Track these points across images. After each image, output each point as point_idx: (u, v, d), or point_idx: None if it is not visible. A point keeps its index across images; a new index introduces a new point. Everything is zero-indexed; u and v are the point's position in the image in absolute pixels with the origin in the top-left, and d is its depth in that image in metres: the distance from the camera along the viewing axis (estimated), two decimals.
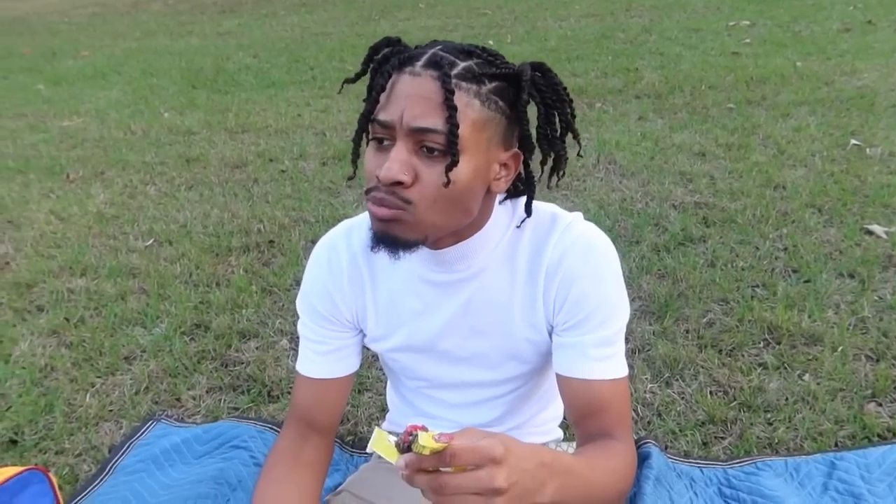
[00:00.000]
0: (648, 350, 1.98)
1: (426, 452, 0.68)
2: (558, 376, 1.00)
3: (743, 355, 1.93)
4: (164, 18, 10.55)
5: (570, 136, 0.96)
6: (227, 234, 2.93)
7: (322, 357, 1.10)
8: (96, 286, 2.56)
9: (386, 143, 0.85)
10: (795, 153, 3.33)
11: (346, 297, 1.07)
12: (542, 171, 0.96)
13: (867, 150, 3.30)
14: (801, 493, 1.43)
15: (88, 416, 1.85)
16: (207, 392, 1.95)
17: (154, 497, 1.49)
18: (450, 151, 0.82)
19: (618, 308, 0.98)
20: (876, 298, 2.14)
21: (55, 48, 8.32)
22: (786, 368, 1.87)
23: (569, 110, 0.93)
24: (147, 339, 2.20)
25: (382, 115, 0.84)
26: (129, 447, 1.68)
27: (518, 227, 1.00)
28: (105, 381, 2.01)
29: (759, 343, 1.98)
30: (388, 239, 0.88)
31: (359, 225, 1.09)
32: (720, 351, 1.95)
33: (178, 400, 1.92)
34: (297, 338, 2.14)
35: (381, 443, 0.72)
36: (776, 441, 1.63)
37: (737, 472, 1.50)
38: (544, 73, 0.92)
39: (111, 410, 1.89)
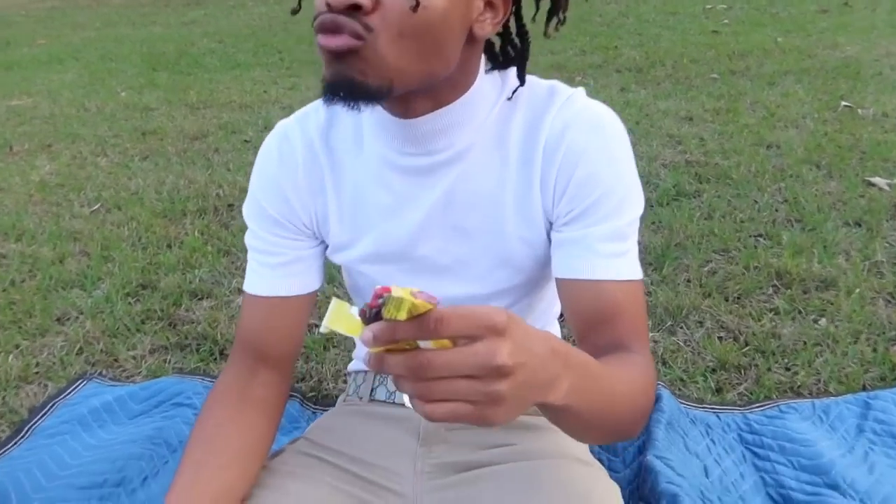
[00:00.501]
0: (648, 299, 1.79)
1: (402, 316, 0.47)
2: (560, 282, 0.80)
3: (751, 301, 1.75)
4: (126, 10, 10.23)
5: None
6: (182, 199, 2.68)
7: (273, 271, 0.88)
8: (32, 251, 2.30)
9: None
10: (786, 115, 3.19)
11: (301, 194, 0.85)
12: (536, 12, 0.77)
13: (859, 111, 3.17)
14: (834, 436, 1.24)
15: (9, 377, 1.60)
16: (150, 352, 1.71)
17: (76, 459, 1.25)
18: None
19: (631, 193, 0.79)
20: (887, 245, 1.98)
21: (9, 38, 7.96)
22: (799, 313, 1.69)
23: None
24: (85, 301, 1.96)
25: None
26: (51, 407, 1.44)
27: (509, 98, 0.80)
28: (32, 343, 1.76)
29: (768, 289, 1.80)
30: (344, 84, 0.67)
31: (315, 109, 0.87)
32: (726, 298, 1.77)
33: (116, 360, 1.68)
34: None
35: (341, 317, 0.50)
36: (798, 385, 1.44)
37: (758, 417, 1.31)
38: None
39: (37, 372, 1.64)
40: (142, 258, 2.20)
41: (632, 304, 0.78)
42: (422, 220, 0.83)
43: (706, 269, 1.92)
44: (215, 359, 1.66)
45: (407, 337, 0.47)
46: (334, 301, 0.51)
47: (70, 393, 1.49)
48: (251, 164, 3.03)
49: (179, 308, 1.89)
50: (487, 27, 0.74)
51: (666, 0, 7.25)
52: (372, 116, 0.80)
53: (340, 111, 0.85)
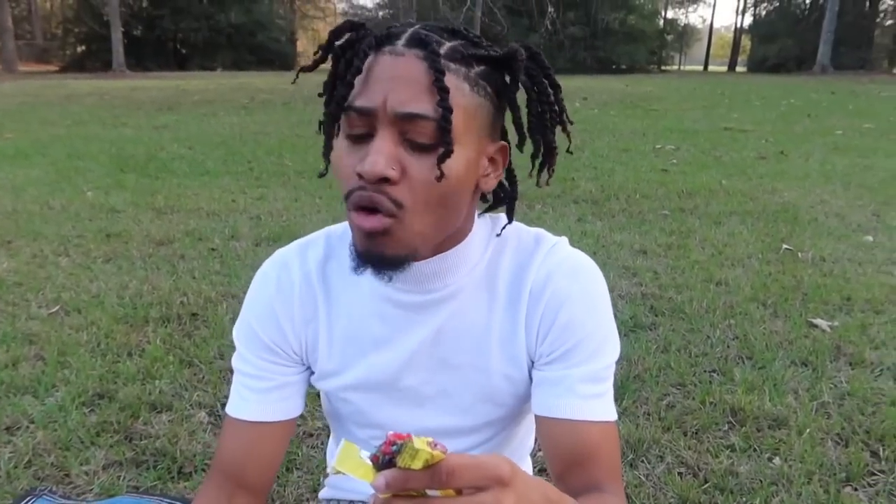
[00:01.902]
0: None
1: (417, 466, 0.50)
2: (539, 420, 0.84)
3: (708, 437, 1.80)
4: (97, 110, 10.39)
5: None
6: (144, 305, 2.66)
7: (259, 396, 0.89)
8: None
9: (362, 135, 0.72)
10: (732, 254, 3.39)
11: (295, 323, 0.88)
12: (533, 167, 0.84)
13: (799, 254, 3.39)
14: None
15: None
16: (104, 468, 1.65)
17: None
18: (443, 140, 0.70)
19: (609, 338, 0.85)
20: (832, 386, 2.08)
21: None
22: (754, 451, 1.74)
23: (560, 97, 0.84)
24: (37, 409, 1.89)
25: (360, 102, 0.71)
26: None
27: (498, 235, 0.87)
28: None
29: (724, 425, 1.86)
30: (376, 257, 0.74)
31: (314, 242, 0.92)
32: (685, 433, 1.82)
33: (68, 476, 1.62)
34: (218, 413, 1.89)
35: (350, 458, 0.53)
36: None
37: None
38: (533, 56, 0.82)
39: None
40: (100, 366, 2.15)
41: (608, 445, 0.82)
42: (411, 353, 0.87)
43: (664, 402, 1.98)
44: (173, 477, 1.61)
45: (419, 487, 0.50)
46: (344, 442, 0.54)
47: None
48: (217, 272, 3.08)
49: (137, 421, 1.84)
50: (492, 181, 0.81)
51: (618, 137, 7.77)
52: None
53: (339, 245, 0.90)
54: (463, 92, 0.73)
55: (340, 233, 0.91)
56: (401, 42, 0.72)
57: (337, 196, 4.59)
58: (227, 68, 27.73)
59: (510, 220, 0.88)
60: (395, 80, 0.70)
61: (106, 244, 3.52)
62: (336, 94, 0.73)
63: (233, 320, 2.50)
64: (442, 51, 0.72)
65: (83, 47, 31.29)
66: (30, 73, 24.78)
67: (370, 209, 0.71)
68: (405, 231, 0.73)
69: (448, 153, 0.70)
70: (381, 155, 0.69)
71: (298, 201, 4.52)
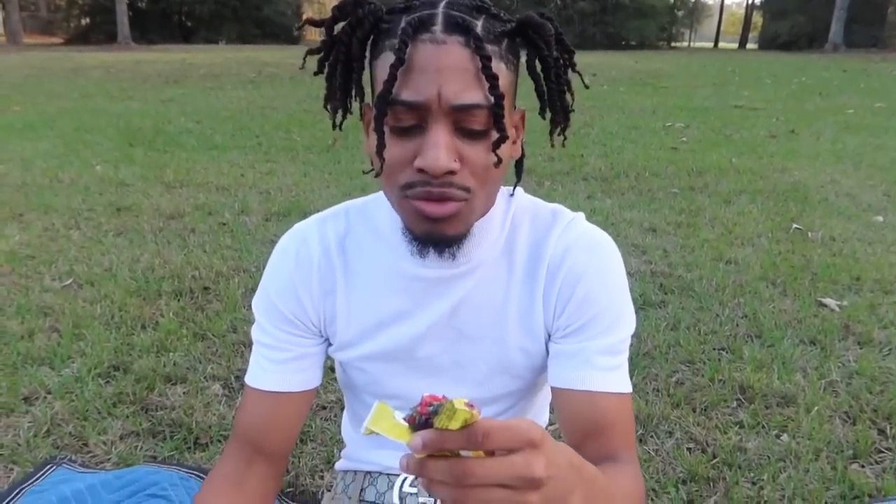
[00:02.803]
0: None
1: (455, 426, 0.51)
2: (556, 391, 0.85)
3: (717, 414, 1.82)
4: (103, 83, 10.36)
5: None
6: (157, 278, 2.68)
7: (279, 366, 0.91)
8: (0, 324, 2.26)
9: (408, 126, 0.72)
10: (742, 234, 3.39)
11: (314, 296, 0.89)
12: (552, 132, 0.85)
13: (809, 233, 3.39)
14: None
15: None
16: (121, 438, 1.68)
17: None
18: (498, 126, 0.71)
19: (625, 313, 0.86)
20: (840, 365, 2.09)
21: None
22: (762, 427, 1.76)
23: (574, 62, 0.84)
24: (54, 380, 1.92)
25: (410, 95, 0.70)
26: (18, 493, 1.39)
27: (511, 195, 0.90)
28: None
29: (733, 402, 1.88)
30: (437, 237, 0.76)
31: (334, 216, 0.93)
32: (694, 409, 1.84)
33: (86, 445, 1.64)
34: (232, 386, 1.91)
35: (384, 420, 0.54)
36: (764, 500, 1.49)
37: None
38: (548, 21, 0.83)
39: (1, 454, 1.59)
40: (114, 338, 2.18)
41: (623, 416, 0.84)
42: (429, 324, 0.88)
43: (673, 379, 2.00)
44: (189, 448, 1.64)
45: (455, 447, 0.51)
46: (377, 403, 0.55)
47: (38, 478, 1.44)
48: (228, 247, 3.10)
49: (152, 392, 1.87)
50: (518, 149, 0.84)
51: (628, 114, 7.71)
52: (392, 227, 0.86)
53: (359, 219, 0.91)
54: (503, 73, 0.73)
55: (360, 207, 0.92)
56: (438, 28, 0.71)
57: (346, 171, 4.59)
58: (232, 41, 27.53)
59: (519, 179, 0.90)
60: (443, 72, 0.70)
61: (116, 218, 3.54)
62: (382, 88, 0.70)
63: (245, 294, 2.53)
64: (480, 33, 0.72)
65: (87, 19, 31.09)
66: (34, 45, 24.67)
67: (442, 199, 0.73)
68: (470, 211, 0.76)
69: (503, 139, 0.72)
70: (441, 149, 0.70)
71: (307, 176, 4.52)
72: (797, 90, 10.77)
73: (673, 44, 37.96)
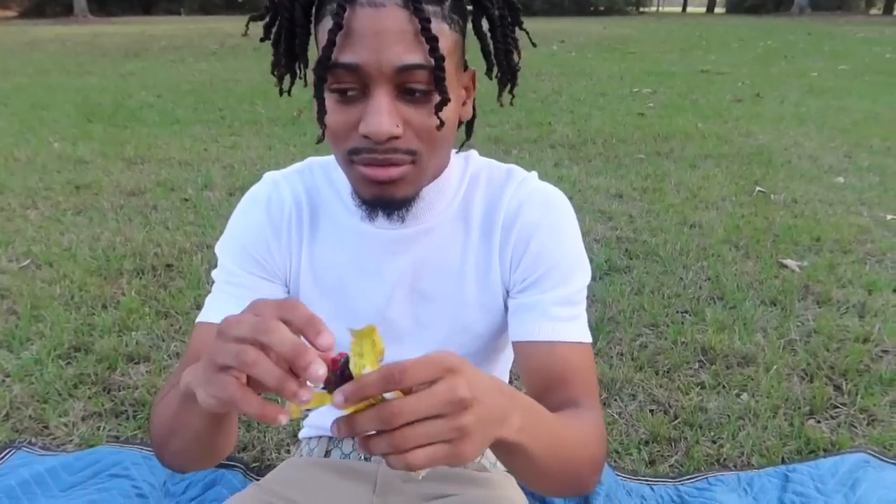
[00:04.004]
0: None
1: (371, 361, 0.52)
2: (517, 346, 0.86)
3: (679, 376, 1.85)
4: (60, 58, 10.04)
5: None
6: (118, 256, 2.63)
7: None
8: None
9: (351, 93, 0.71)
10: (706, 197, 3.42)
11: (281, 245, 0.89)
12: (500, 91, 0.85)
13: (772, 196, 3.43)
14: None
15: None
16: (83, 419, 1.65)
17: None
18: (439, 89, 0.71)
19: (579, 264, 0.88)
20: (799, 324, 2.14)
21: None
22: (723, 388, 1.80)
23: (520, 20, 0.83)
24: (13, 363, 1.88)
25: (348, 58, 0.69)
26: None
27: (457, 151, 0.90)
28: None
29: (695, 364, 1.91)
30: (386, 201, 0.76)
31: (303, 170, 0.93)
32: (657, 372, 1.87)
33: (46, 427, 1.62)
34: None
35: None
36: (724, 458, 1.53)
37: (689, 489, 1.38)
38: None
39: None
40: (75, 318, 2.14)
41: (583, 365, 0.84)
42: (391, 285, 0.88)
43: (637, 342, 2.02)
44: None
45: (375, 391, 0.51)
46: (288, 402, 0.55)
47: None
48: (191, 223, 3.04)
49: (115, 372, 1.85)
50: (468, 109, 0.84)
51: (596, 80, 7.70)
52: (349, 189, 0.86)
53: (322, 176, 0.91)
54: (445, 34, 0.73)
55: (324, 164, 0.93)
56: None
57: (311, 143, 4.53)
58: (194, 12, 26.81)
59: (468, 138, 0.90)
60: (382, 35, 0.69)
61: (75, 196, 3.45)
62: (321, 54, 0.71)
63: (208, 271, 2.49)
64: None
65: None
66: None
67: (387, 164, 0.73)
68: (418, 174, 0.76)
69: (445, 101, 0.72)
70: (384, 114, 0.70)
71: (272, 150, 4.45)
72: (763, 54, 10.84)
73: (641, 9, 37.85)
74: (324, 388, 0.53)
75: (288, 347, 0.51)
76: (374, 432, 0.52)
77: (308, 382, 0.52)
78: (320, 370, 0.50)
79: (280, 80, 0.81)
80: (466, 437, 0.54)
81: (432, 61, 0.70)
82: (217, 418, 0.68)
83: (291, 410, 0.54)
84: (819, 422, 1.67)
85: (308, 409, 0.53)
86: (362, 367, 0.52)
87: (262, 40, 0.79)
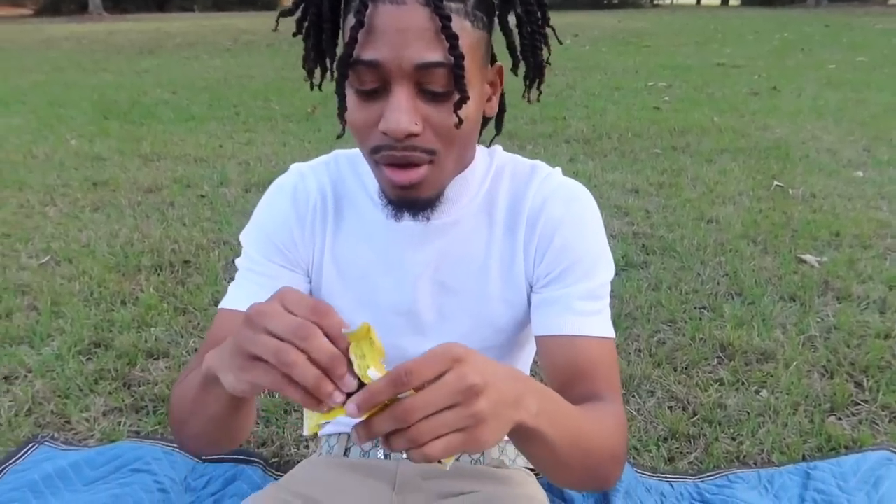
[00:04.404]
0: None
1: (376, 367, 0.52)
2: (539, 340, 0.86)
3: (698, 372, 1.84)
4: (76, 55, 10.12)
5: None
6: (136, 253, 2.65)
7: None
8: None
9: (375, 89, 0.72)
10: (724, 192, 3.39)
11: (305, 236, 0.90)
12: (526, 87, 0.86)
13: (790, 190, 3.40)
14: None
15: None
16: (104, 414, 1.67)
17: None
18: (458, 87, 0.71)
19: (602, 259, 0.88)
20: (819, 320, 2.11)
21: None
22: (742, 384, 1.78)
23: (548, 15, 0.83)
24: (34, 359, 1.90)
25: (369, 55, 0.70)
26: (0, 473, 1.39)
27: (488, 146, 0.91)
28: None
29: (713, 360, 1.90)
30: (410, 202, 0.77)
31: (329, 162, 0.93)
32: (675, 368, 1.86)
33: (68, 423, 1.64)
34: None
35: (315, 416, 0.55)
36: (743, 455, 1.52)
37: (709, 486, 1.37)
38: None
39: None
40: (94, 315, 2.16)
41: (605, 360, 0.84)
42: (414, 278, 0.89)
43: (655, 339, 2.01)
44: None
45: (385, 397, 0.52)
46: (306, 411, 0.56)
47: (20, 458, 1.44)
48: (207, 219, 3.06)
49: (134, 368, 1.86)
50: (494, 105, 0.84)
51: (610, 74, 7.66)
52: (375, 182, 0.86)
53: (348, 168, 0.92)
54: (467, 31, 0.73)
55: (350, 157, 0.93)
56: None
57: (326, 139, 4.54)
58: (208, 9, 26.92)
59: (499, 132, 0.91)
60: (403, 32, 0.69)
61: (93, 192, 3.48)
62: (341, 50, 0.72)
63: (225, 267, 2.51)
64: None
65: None
66: (3, 17, 23.99)
67: (407, 166, 0.73)
68: (439, 174, 0.76)
69: (464, 100, 0.72)
70: (403, 111, 0.70)
71: (287, 146, 4.46)
72: (779, 46, 10.72)
73: (656, 2, 37.54)
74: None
75: (326, 357, 0.52)
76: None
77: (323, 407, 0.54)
78: (354, 382, 0.52)
79: (310, 74, 0.82)
80: (482, 422, 0.54)
81: (452, 59, 0.70)
82: (237, 402, 0.69)
83: (310, 427, 0.55)
84: (840, 419, 1.65)
85: (323, 423, 0.54)
86: (366, 368, 0.52)
87: (294, 35, 0.80)
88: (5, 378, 1.82)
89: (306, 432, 0.55)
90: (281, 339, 0.53)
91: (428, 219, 0.81)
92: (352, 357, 0.53)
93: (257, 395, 0.60)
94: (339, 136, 0.81)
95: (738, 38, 12.30)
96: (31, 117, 5.48)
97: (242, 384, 0.57)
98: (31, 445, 1.49)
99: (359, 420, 0.53)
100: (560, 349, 0.83)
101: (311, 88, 0.83)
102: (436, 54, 0.69)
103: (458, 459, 0.91)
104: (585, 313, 0.84)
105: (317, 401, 0.53)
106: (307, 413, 0.55)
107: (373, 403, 0.52)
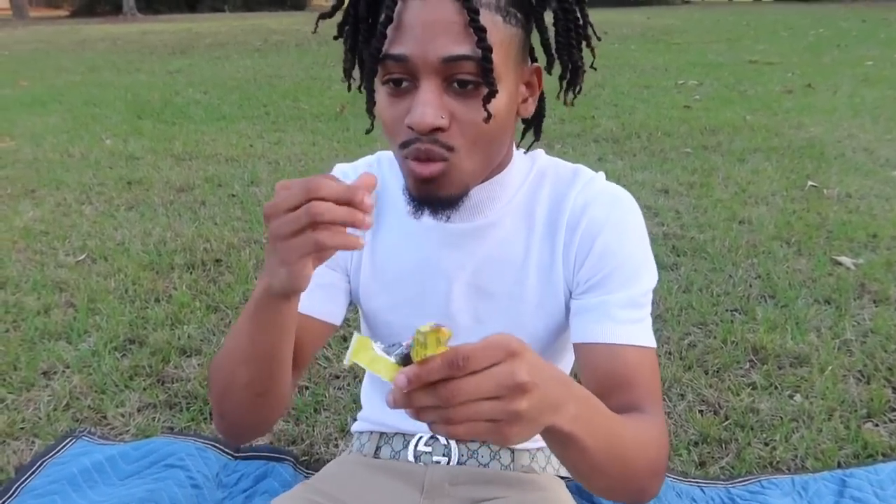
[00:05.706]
0: None
1: (433, 349, 0.52)
2: (578, 347, 0.85)
3: (730, 376, 1.81)
4: (110, 56, 10.31)
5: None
6: (169, 251, 2.70)
7: (306, 292, 0.91)
8: (16, 300, 2.29)
9: (404, 84, 0.73)
10: (756, 192, 3.34)
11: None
12: (561, 88, 0.86)
13: (825, 191, 3.33)
14: None
15: None
16: (139, 410, 1.70)
17: None
18: (486, 80, 0.71)
19: (645, 265, 0.86)
20: (855, 323, 2.07)
21: None
22: (775, 388, 1.76)
23: (586, 12, 0.82)
24: (72, 355, 1.95)
25: (397, 49, 0.71)
26: (40, 466, 1.42)
27: (525, 152, 0.91)
28: (18, 398, 1.74)
29: (745, 364, 1.87)
30: (432, 200, 0.77)
31: (372, 163, 0.95)
32: (706, 371, 1.84)
33: (105, 418, 1.67)
34: None
35: (364, 352, 0.55)
36: (776, 461, 1.49)
37: (741, 492, 1.35)
38: None
39: (23, 428, 1.62)
40: (129, 312, 2.20)
41: (646, 370, 0.83)
42: (451, 281, 0.89)
43: (686, 341, 1.99)
44: (206, 419, 1.66)
45: (437, 377, 0.52)
46: (356, 335, 0.56)
47: (59, 451, 1.47)
48: (238, 218, 3.10)
49: (168, 365, 1.90)
50: (530, 106, 0.84)
51: (640, 73, 7.58)
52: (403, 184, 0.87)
53: (389, 170, 0.93)
54: (497, 26, 0.73)
55: (391, 157, 0.94)
56: None
57: (355, 139, 4.57)
58: (238, 9, 27.20)
59: (537, 138, 0.91)
60: (430, 26, 0.70)
61: (127, 191, 3.55)
62: (371, 46, 0.72)
63: (256, 266, 2.54)
64: None
65: None
66: (40, 18, 24.53)
67: (426, 159, 0.73)
68: (458, 172, 0.75)
69: (493, 93, 0.72)
70: (429, 106, 0.70)
71: (316, 145, 4.49)
72: (814, 42, 10.51)
73: None
74: (385, 354, 0.55)
75: (342, 190, 0.59)
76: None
77: (376, 346, 0.55)
78: (372, 198, 0.60)
79: (347, 77, 0.83)
80: (517, 421, 0.54)
81: (479, 52, 0.70)
82: (286, 329, 0.74)
83: (351, 359, 0.55)
84: (877, 425, 1.62)
85: (363, 364, 0.54)
86: (423, 355, 0.52)
87: (335, 38, 0.81)
88: (44, 373, 1.86)
89: (347, 362, 0.55)
90: (301, 203, 0.59)
91: (448, 218, 0.80)
92: (411, 342, 0.53)
93: (306, 286, 0.66)
94: (367, 132, 0.83)
95: (772, 35, 12.08)
96: (67, 116, 5.60)
97: (295, 266, 0.62)
98: (69, 439, 1.52)
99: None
100: (599, 358, 0.82)
101: (349, 90, 0.84)
102: (463, 48, 0.70)
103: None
104: (625, 321, 0.82)
105: (353, 241, 0.60)
106: (355, 345, 0.55)
107: (424, 381, 0.52)
